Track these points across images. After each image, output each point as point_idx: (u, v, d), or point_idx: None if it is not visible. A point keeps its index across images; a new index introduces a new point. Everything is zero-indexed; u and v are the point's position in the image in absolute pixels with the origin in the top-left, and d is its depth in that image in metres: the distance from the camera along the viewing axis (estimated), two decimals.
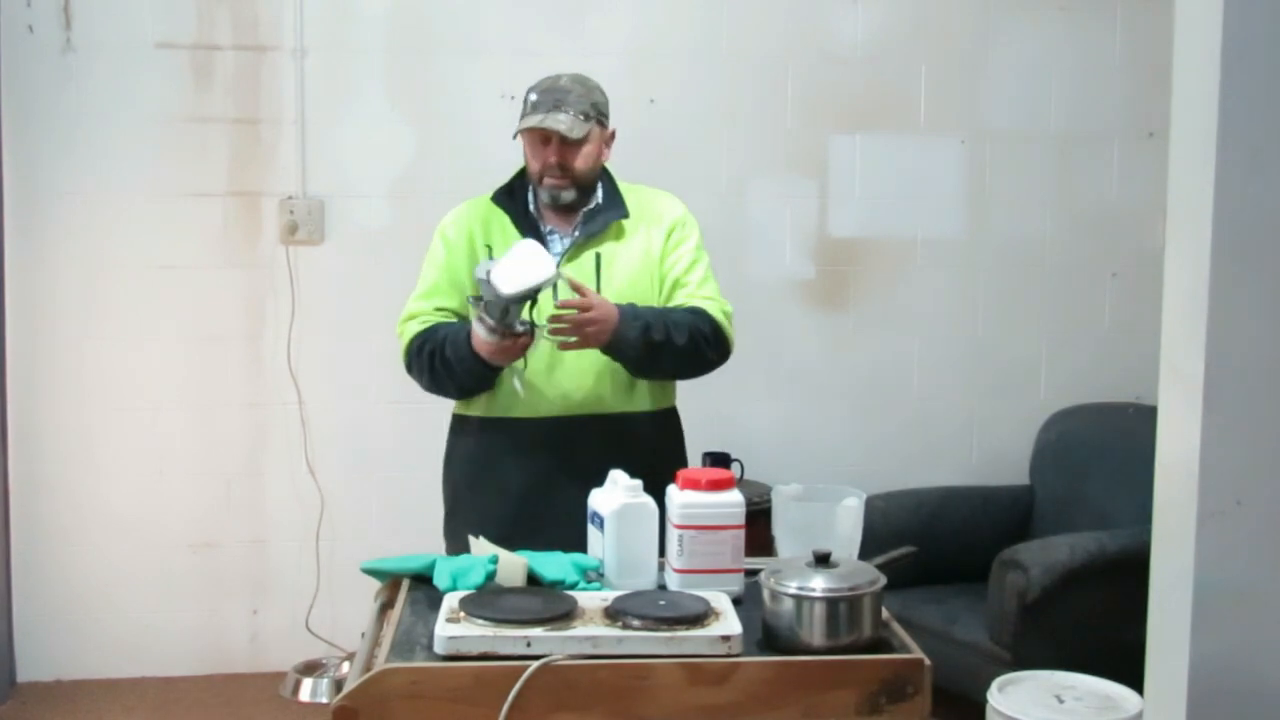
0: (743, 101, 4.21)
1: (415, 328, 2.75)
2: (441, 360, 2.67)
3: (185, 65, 4.01)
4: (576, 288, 2.54)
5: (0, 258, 3.98)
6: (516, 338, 2.53)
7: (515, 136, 2.71)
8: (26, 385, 4.04)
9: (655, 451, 2.68)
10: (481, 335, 2.54)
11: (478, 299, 2.55)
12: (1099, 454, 4.04)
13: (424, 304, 2.77)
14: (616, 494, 2.34)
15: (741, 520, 2.31)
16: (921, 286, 4.33)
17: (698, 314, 2.68)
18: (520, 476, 2.70)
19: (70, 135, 3.99)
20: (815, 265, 4.28)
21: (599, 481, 2.39)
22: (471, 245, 2.75)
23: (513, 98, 4.06)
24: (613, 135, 2.78)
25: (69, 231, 4.02)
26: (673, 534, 2.30)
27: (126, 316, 4.06)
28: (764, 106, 4.21)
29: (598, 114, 2.70)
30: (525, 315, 2.55)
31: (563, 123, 2.63)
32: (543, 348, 2.65)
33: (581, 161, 2.68)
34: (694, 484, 2.31)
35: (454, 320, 2.73)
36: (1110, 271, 4.39)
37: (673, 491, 2.33)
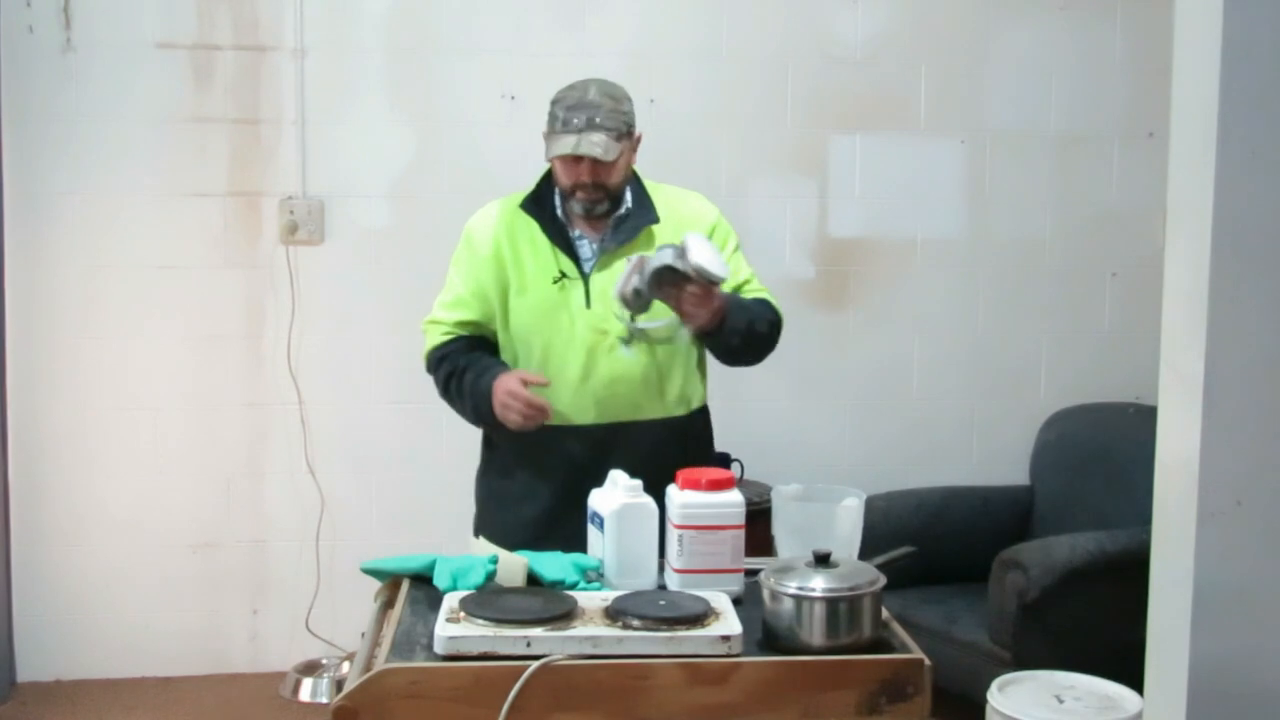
0: (743, 101, 4.21)
1: (439, 338, 2.75)
2: (456, 387, 2.69)
3: (185, 65, 4.01)
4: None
5: (0, 257, 3.98)
6: (541, 410, 2.56)
7: (548, 160, 2.67)
8: (26, 385, 4.04)
9: (687, 453, 2.66)
10: (501, 397, 2.56)
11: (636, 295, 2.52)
12: (1099, 454, 4.04)
13: (447, 314, 2.76)
14: (616, 494, 2.34)
15: (741, 521, 2.31)
16: (921, 286, 4.33)
17: (766, 305, 2.73)
18: (556, 484, 2.67)
19: (70, 135, 3.99)
20: (815, 265, 4.28)
21: (647, 485, 2.42)
22: (498, 251, 2.71)
23: (513, 98, 4.08)
24: (639, 140, 2.73)
25: (69, 231, 4.02)
26: (672, 534, 2.30)
27: (126, 316, 4.06)
28: (764, 106, 4.21)
29: (628, 127, 2.66)
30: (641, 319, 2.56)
31: (598, 145, 2.58)
32: (577, 356, 2.65)
33: (615, 177, 2.65)
34: (694, 484, 2.32)
35: (474, 334, 2.73)
36: (1110, 271, 4.39)
37: (672, 491, 2.33)
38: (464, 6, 4.10)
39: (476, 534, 2.82)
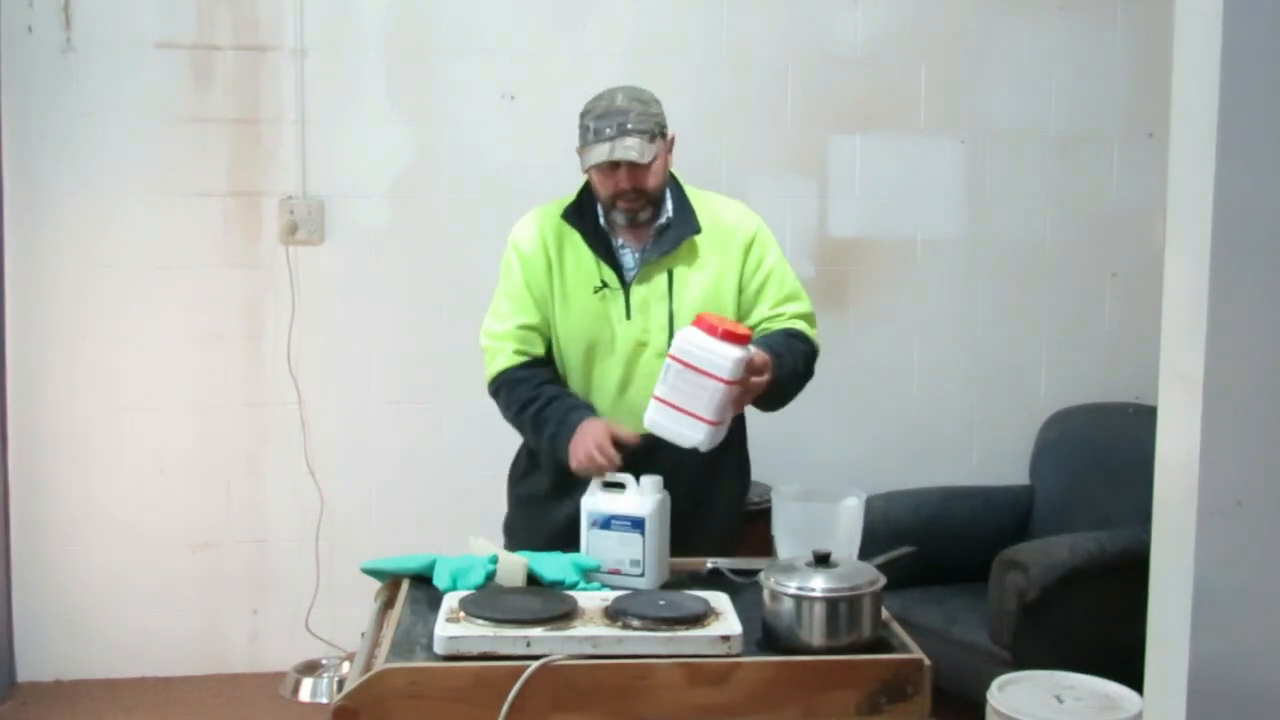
0: (743, 101, 4.21)
1: (512, 358, 2.69)
2: (537, 412, 2.64)
3: (185, 65, 4.01)
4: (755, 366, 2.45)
5: (0, 257, 3.98)
6: (611, 463, 2.50)
7: (585, 171, 2.66)
8: (26, 385, 4.04)
9: (721, 464, 2.68)
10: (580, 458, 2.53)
11: None
12: (1099, 454, 4.04)
13: (506, 323, 2.72)
14: (646, 495, 2.38)
15: (729, 376, 2.32)
16: (921, 286, 4.33)
17: (799, 340, 2.68)
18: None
19: (70, 135, 3.98)
20: (815, 265, 4.28)
21: (681, 495, 2.46)
22: (546, 257, 2.70)
23: (513, 98, 4.08)
24: (673, 140, 2.72)
25: (69, 231, 4.02)
26: (666, 364, 2.36)
27: (126, 316, 4.06)
28: (764, 106, 4.21)
29: (660, 128, 2.64)
30: None
31: (633, 149, 2.56)
32: (616, 366, 2.66)
33: (653, 180, 2.63)
34: (707, 327, 2.34)
35: (538, 352, 2.70)
36: (1110, 271, 4.39)
37: (686, 328, 2.39)
38: (464, 6, 4.10)
39: (505, 535, 2.83)
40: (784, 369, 2.55)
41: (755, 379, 2.42)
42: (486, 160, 4.08)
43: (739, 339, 2.34)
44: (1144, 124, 4.30)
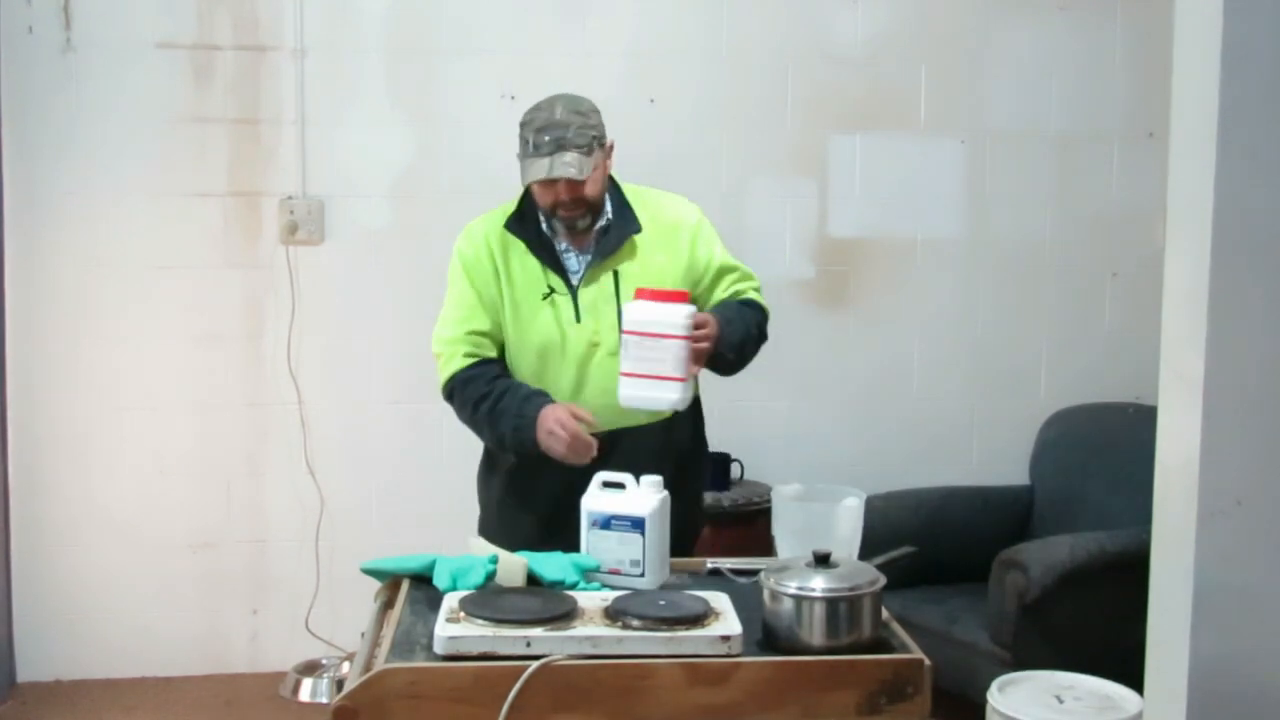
0: (743, 101, 4.21)
1: (462, 360, 2.72)
2: (491, 409, 2.67)
3: (185, 65, 4.01)
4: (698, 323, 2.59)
5: (0, 257, 3.98)
6: (587, 447, 2.58)
7: (524, 186, 2.69)
8: (26, 385, 4.04)
9: (680, 451, 2.78)
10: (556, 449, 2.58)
11: None
12: (1099, 454, 4.04)
13: (457, 329, 2.74)
14: (647, 494, 2.40)
15: (683, 331, 2.51)
16: (921, 286, 4.33)
17: (751, 305, 2.81)
18: (554, 492, 2.67)
19: (70, 135, 3.99)
20: (815, 265, 4.28)
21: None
22: (493, 264, 2.74)
23: (513, 98, 4.08)
24: (612, 147, 2.75)
25: (69, 231, 4.02)
26: (623, 340, 2.53)
27: (126, 316, 4.06)
28: (764, 106, 4.21)
29: (597, 140, 2.67)
30: None
31: (571, 165, 2.60)
32: (569, 369, 2.70)
33: (592, 189, 2.67)
34: (651, 296, 2.54)
35: (488, 353, 2.73)
36: (1110, 271, 4.39)
37: (629, 304, 2.56)
38: (464, 6, 4.10)
39: (483, 532, 2.84)
40: (735, 332, 2.69)
41: (700, 332, 2.57)
42: (486, 160, 4.07)
43: (680, 297, 2.58)
44: (1144, 124, 4.30)
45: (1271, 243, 1.46)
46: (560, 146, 2.61)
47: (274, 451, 4.15)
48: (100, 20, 3.97)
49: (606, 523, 2.37)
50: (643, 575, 2.34)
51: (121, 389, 4.08)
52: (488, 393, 2.68)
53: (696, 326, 2.56)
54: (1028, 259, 4.36)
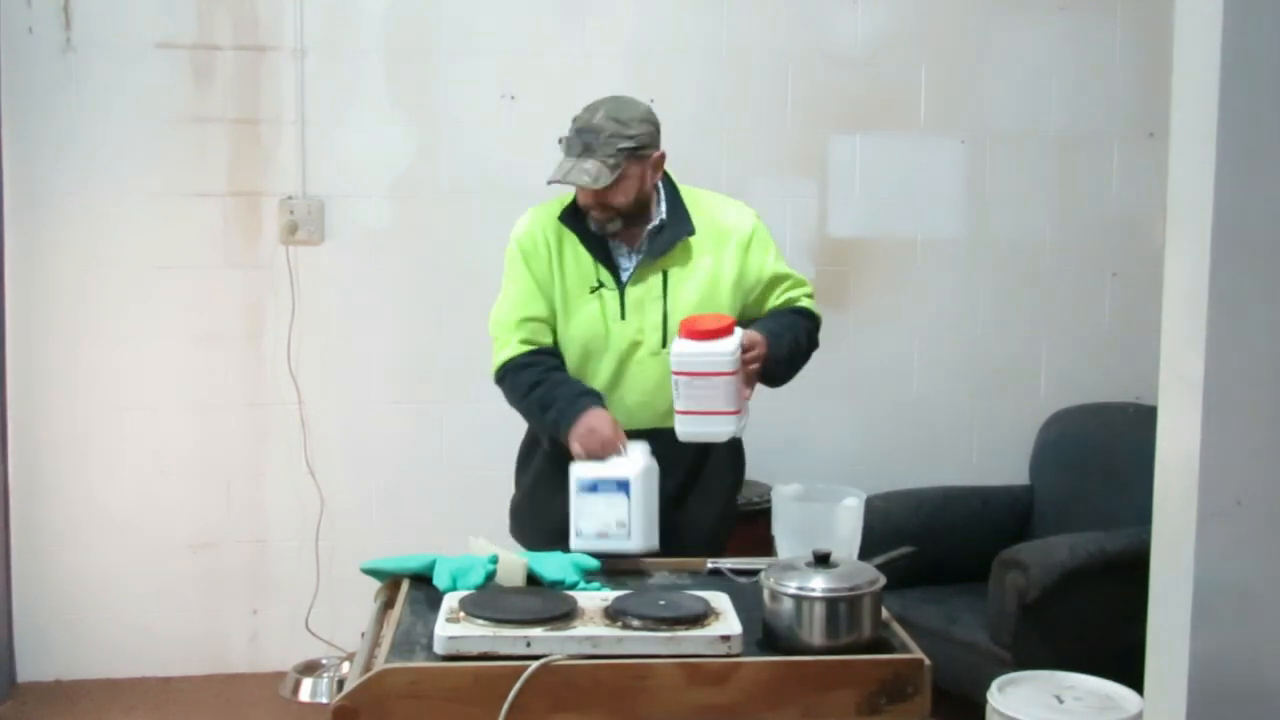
0: (743, 101, 4.21)
1: (519, 346, 2.73)
2: (543, 395, 2.67)
3: (185, 65, 4.01)
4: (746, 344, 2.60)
5: (0, 257, 3.98)
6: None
7: (549, 183, 2.70)
8: (26, 385, 4.04)
9: (712, 456, 2.76)
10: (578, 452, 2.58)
11: None
12: (1099, 454, 4.04)
13: (514, 313, 2.76)
14: (635, 457, 2.46)
15: (732, 368, 2.51)
16: (921, 286, 4.33)
17: (802, 313, 2.83)
18: None
19: (70, 135, 3.98)
20: (815, 265, 4.28)
21: (669, 489, 2.55)
22: (548, 251, 2.75)
23: (513, 98, 4.08)
24: (661, 158, 2.75)
25: (69, 231, 4.01)
26: (674, 380, 2.53)
27: (126, 316, 4.06)
28: (764, 106, 4.21)
29: (631, 152, 2.65)
30: None
31: (587, 173, 2.61)
32: (609, 364, 2.72)
33: (619, 197, 2.67)
34: (691, 334, 2.53)
35: (544, 342, 2.74)
36: (1110, 271, 4.39)
37: (675, 342, 2.55)
38: (464, 6, 4.10)
39: (511, 533, 2.88)
40: (784, 345, 2.71)
41: (749, 354, 2.58)
42: (486, 160, 4.08)
43: (724, 332, 2.54)
44: (1144, 124, 4.30)
45: (1271, 243, 1.46)
46: (586, 153, 2.62)
47: (274, 451, 4.15)
48: (100, 20, 3.97)
49: (593, 486, 2.40)
50: (630, 537, 2.36)
51: (121, 389, 4.08)
52: (540, 380, 2.69)
53: (745, 348, 2.56)
54: (1028, 259, 4.36)
